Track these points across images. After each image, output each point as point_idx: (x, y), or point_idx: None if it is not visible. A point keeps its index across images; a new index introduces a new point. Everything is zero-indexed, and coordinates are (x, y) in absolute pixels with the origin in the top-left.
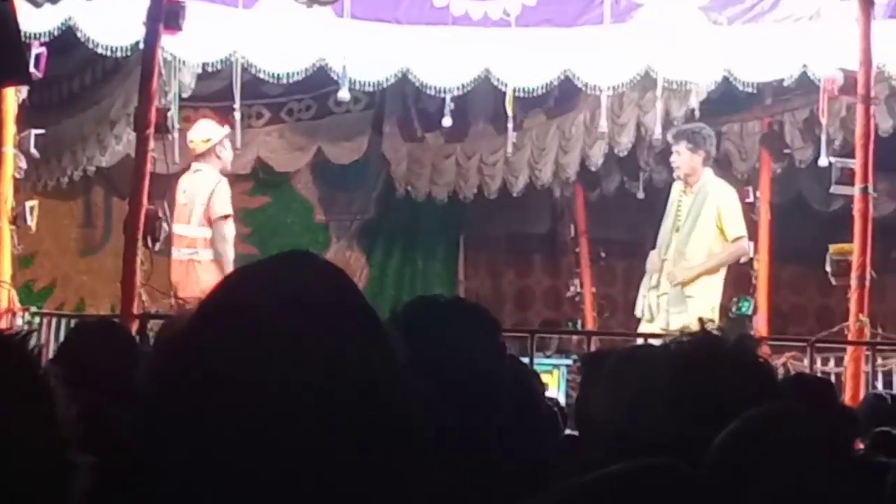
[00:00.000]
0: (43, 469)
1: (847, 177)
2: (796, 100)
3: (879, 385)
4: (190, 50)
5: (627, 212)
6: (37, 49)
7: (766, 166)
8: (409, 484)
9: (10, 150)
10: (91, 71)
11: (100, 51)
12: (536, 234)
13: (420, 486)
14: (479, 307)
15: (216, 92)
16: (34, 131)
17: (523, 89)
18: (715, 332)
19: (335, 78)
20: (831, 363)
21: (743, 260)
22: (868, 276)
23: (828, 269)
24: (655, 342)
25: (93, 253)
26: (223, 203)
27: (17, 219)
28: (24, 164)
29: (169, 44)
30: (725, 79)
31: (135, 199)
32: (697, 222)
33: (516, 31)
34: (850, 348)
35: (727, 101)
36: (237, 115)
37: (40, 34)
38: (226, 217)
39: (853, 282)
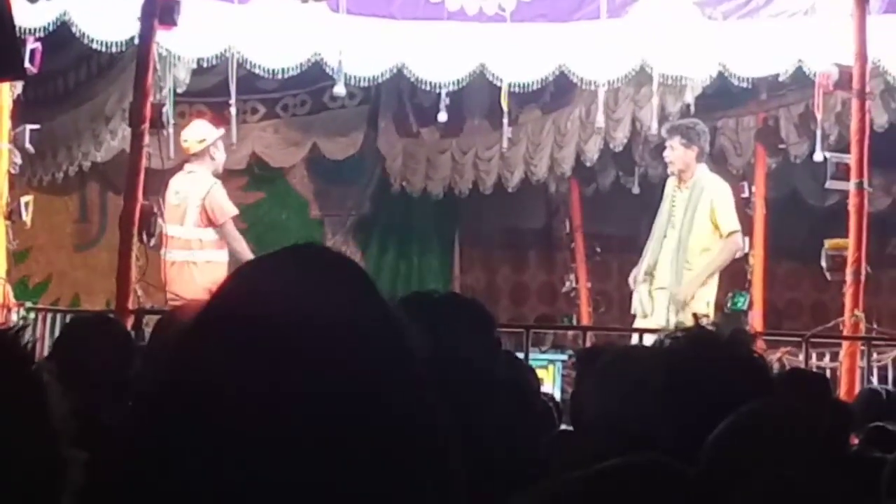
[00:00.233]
0: (36, 464)
1: (842, 172)
2: (791, 95)
3: (874, 380)
4: (185, 45)
5: (623, 207)
6: (32, 44)
7: (761, 161)
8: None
9: (4, 145)
10: (86, 66)
11: (95, 46)
12: (532, 230)
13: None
14: (475, 303)
15: (211, 87)
16: (29, 126)
17: (518, 84)
18: (709, 328)
19: (330, 73)
20: (826, 358)
21: (738, 255)
22: (863, 272)
23: (823, 264)
24: (650, 338)
25: (88, 248)
26: (226, 204)
27: (12, 214)
28: (18, 160)
29: (164, 39)
30: (721, 74)
31: (130, 195)
32: (694, 218)
33: (511, 27)
34: (845, 343)
35: (722, 96)
36: (233, 110)
37: (35, 29)
38: (233, 217)
39: (848, 277)
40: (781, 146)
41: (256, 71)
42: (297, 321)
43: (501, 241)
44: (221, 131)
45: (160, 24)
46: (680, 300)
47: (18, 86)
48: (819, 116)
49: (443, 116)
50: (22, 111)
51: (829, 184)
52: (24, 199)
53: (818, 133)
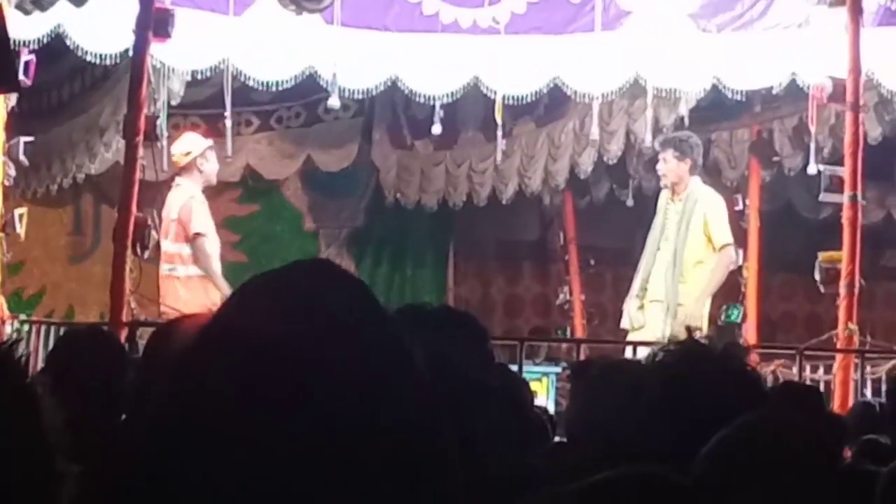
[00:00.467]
0: (29, 478)
1: (836, 184)
2: (785, 107)
3: (868, 393)
4: (179, 57)
5: (617, 219)
6: (26, 56)
7: (755, 174)
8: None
9: None
10: (80, 78)
11: (89, 58)
12: (526, 242)
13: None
14: (468, 315)
15: (205, 99)
16: (23, 139)
17: (513, 97)
18: (702, 341)
19: (324, 85)
20: (820, 371)
21: (731, 268)
22: (857, 284)
23: (817, 276)
24: (644, 350)
25: (82, 260)
26: (196, 220)
27: (6, 226)
28: (13, 172)
29: (158, 51)
30: (715, 86)
31: (124, 207)
32: (688, 231)
33: (505, 39)
34: (839, 356)
35: (716, 108)
36: (228, 122)
37: (29, 41)
38: (199, 235)
39: (842, 289)
40: (775, 159)
41: (251, 83)
42: (303, 336)
43: (496, 253)
44: (208, 143)
45: (154, 37)
46: (690, 315)
47: (13, 98)
48: (813, 129)
49: (437, 129)
50: (16, 123)
51: (823, 196)
52: (18, 212)
53: (812, 146)
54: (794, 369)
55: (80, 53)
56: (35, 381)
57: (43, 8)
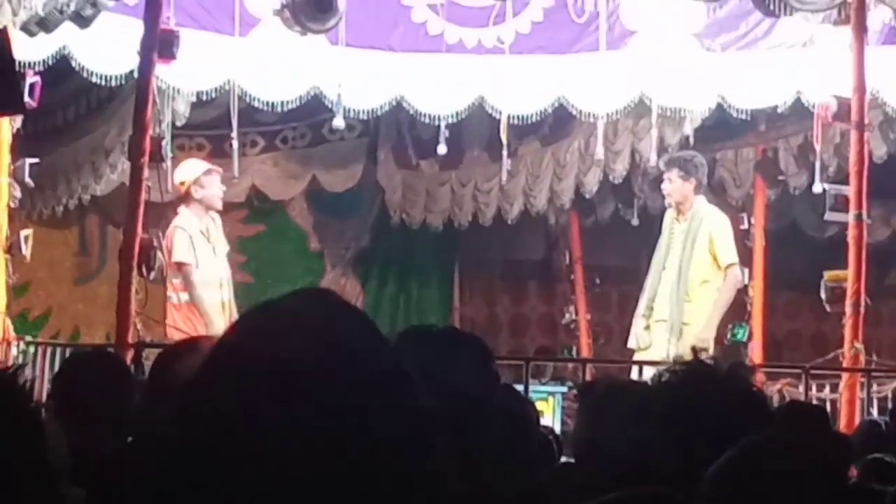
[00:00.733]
0: (34, 501)
1: (841, 203)
2: (790, 126)
3: (874, 412)
4: (184, 78)
5: (622, 239)
6: (31, 78)
7: (760, 193)
8: None
9: (4, 179)
10: (85, 100)
11: (94, 80)
12: (531, 261)
13: None
14: (473, 336)
15: (210, 120)
16: (29, 160)
17: (518, 116)
18: (707, 361)
19: (329, 106)
20: (826, 390)
21: (737, 287)
22: (863, 303)
23: (822, 295)
24: (650, 370)
25: (87, 281)
26: (176, 250)
27: (12, 248)
28: (18, 193)
29: (163, 72)
30: (719, 105)
31: (129, 228)
32: (693, 250)
33: (510, 59)
34: (845, 375)
35: (721, 127)
36: (234, 143)
37: (34, 63)
38: (181, 264)
39: (848, 308)
40: (780, 178)
41: (256, 104)
42: (303, 363)
43: (501, 272)
44: (203, 168)
45: (159, 58)
46: (699, 338)
47: (18, 119)
48: (818, 148)
49: (442, 149)
50: (21, 145)
51: (829, 215)
52: (23, 233)
53: (817, 164)
54: (801, 388)
55: (85, 75)
56: (40, 405)
57: (48, 29)
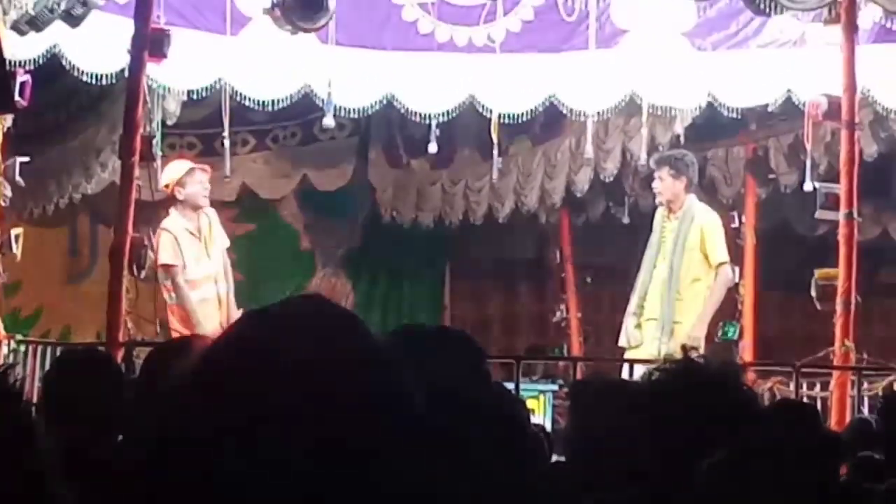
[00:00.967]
0: (24, 502)
1: (832, 202)
2: (781, 125)
3: (865, 410)
4: (175, 77)
5: (613, 237)
6: (21, 77)
7: (751, 191)
8: None
9: None
10: (76, 99)
11: (85, 79)
12: (522, 260)
13: None
14: (464, 335)
15: (201, 119)
16: (19, 159)
17: (508, 115)
18: (697, 360)
19: (320, 105)
20: (817, 388)
21: (728, 285)
22: (853, 301)
23: (813, 293)
24: (641, 368)
25: (78, 280)
26: (161, 252)
27: (3, 247)
28: (9, 192)
29: (154, 71)
30: (710, 104)
31: (120, 227)
32: (684, 248)
33: (501, 58)
34: (835, 373)
35: (712, 126)
36: (226, 142)
37: (25, 62)
38: (166, 266)
39: (839, 306)
40: (771, 176)
41: (247, 103)
42: (297, 368)
43: (492, 271)
44: (185, 168)
45: (150, 57)
46: (690, 337)
47: (8, 118)
48: (808, 146)
49: (433, 147)
50: (12, 144)
51: (819, 214)
52: (14, 232)
53: (808, 163)
54: (791, 386)
55: (75, 74)
56: (30, 405)
57: (38, 28)
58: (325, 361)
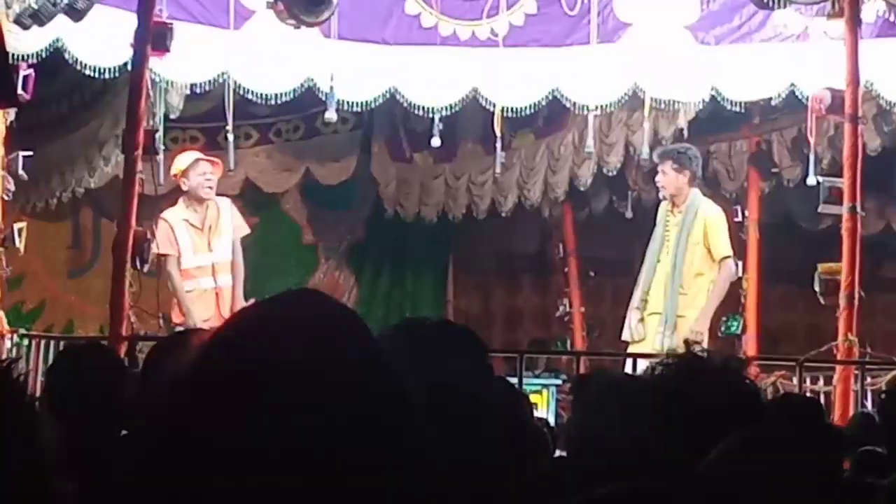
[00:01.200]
0: (25, 496)
1: (835, 196)
2: (784, 119)
3: (868, 404)
4: (178, 71)
5: (616, 231)
6: (24, 71)
7: (754, 185)
8: None
9: None
10: (79, 92)
11: (87, 72)
12: (525, 254)
13: None
14: (466, 329)
15: (204, 113)
16: (22, 153)
17: (511, 109)
18: (700, 354)
19: (323, 98)
20: (820, 382)
21: (731, 280)
22: (857, 295)
23: (816, 288)
24: (644, 362)
25: (81, 274)
26: (159, 241)
27: (6, 240)
28: (12, 186)
29: (157, 65)
30: (713, 98)
31: (123, 221)
32: (688, 242)
33: (504, 51)
34: (839, 367)
35: (715, 120)
36: (230, 136)
37: (28, 56)
38: (162, 256)
39: (842, 301)
40: (774, 170)
41: (249, 96)
42: (294, 363)
43: (495, 265)
44: (191, 158)
45: (153, 51)
46: (694, 332)
47: (11, 112)
48: (812, 140)
49: (436, 141)
50: (15, 138)
51: (822, 208)
52: (17, 226)
53: (811, 157)
54: (795, 381)
55: (78, 67)
56: (34, 399)
57: (41, 22)
58: (320, 357)
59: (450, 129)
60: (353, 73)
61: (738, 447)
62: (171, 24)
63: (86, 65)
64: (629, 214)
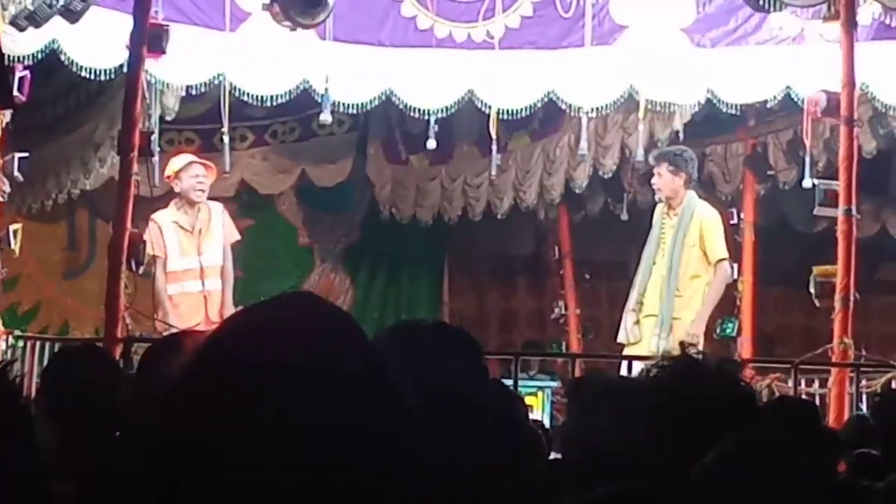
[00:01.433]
0: (22, 498)
1: (831, 198)
2: (780, 121)
3: (864, 407)
4: (173, 73)
5: (612, 233)
6: (20, 72)
7: (749, 188)
8: None
9: None
10: (75, 94)
11: (83, 74)
12: (521, 256)
13: None
14: (462, 331)
15: (200, 115)
16: (18, 155)
17: (507, 111)
18: (695, 357)
19: (319, 100)
20: (816, 385)
21: (727, 282)
22: (852, 298)
23: (812, 290)
24: (639, 364)
25: (77, 276)
26: (149, 243)
27: (1, 242)
28: (7, 188)
29: (152, 67)
30: (709, 100)
31: (118, 222)
32: (683, 245)
33: (500, 54)
34: (834, 370)
35: (711, 122)
36: (225, 138)
37: (24, 57)
38: (152, 257)
39: (837, 303)
40: (770, 173)
41: (245, 98)
42: (286, 367)
43: (490, 267)
44: (184, 161)
45: (149, 52)
46: (690, 334)
47: (7, 114)
48: (807, 143)
49: (432, 143)
50: (11, 139)
51: (818, 210)
52: (12, 227)
53: (807, 159)
54: (790, 383)
55: (74, 69)
56: (29, 401)
57: (37, 24)
58: (314, 360)
59: (445, 131)
60: (348, 75)
61: (734, 450)
62: (167, 25)
63: (82, 66)
64: (625, 217)
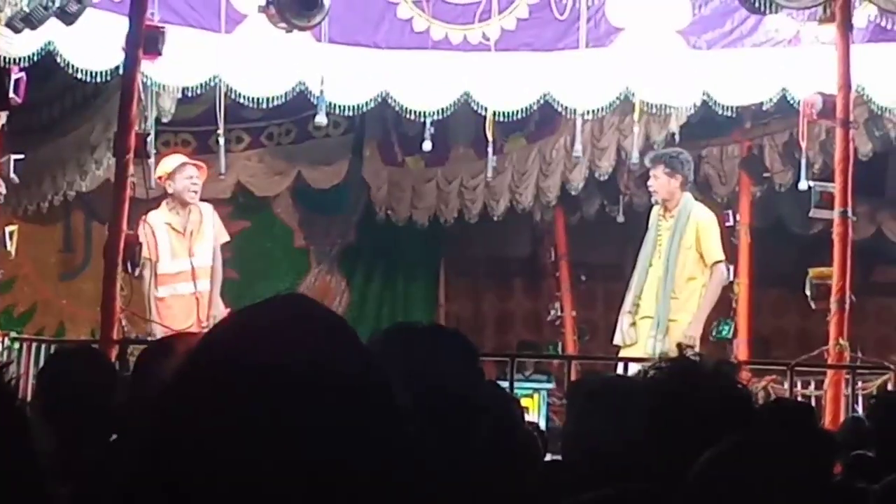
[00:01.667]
0: (18, 500)
1: (826, 200)
2: (776, 123)
3: (859, 408)
4: (169, 75)
5: (608, 235)
6: (16, 74)
7: (745, 190)
8: None
9: None
10: (71, 96)
11: (79, 76)
12: (517, 258)
13: None
14: (457, 333)
15: (196, 117)
16: (14, 156)
17: (503, 113)
18: (692, 358)
19: (315, 102)
20: (811, 386)
21: (723, 284)
22: (848, 300)
23: (808, 292)
24: (635, 366)
25: (73, 277)
26: (145, 245)
27: None
28: (3, 190)
29: (148, 69)
30: (705, 103)
31: (114, 224)
32: (679, 247)
33: (496, 56)
34: (830, 372)
35: (707, 124)
36: (221, 140)
37: (19, 59)
38: (145, 259)
39: (833, 305)
40: (766, 175)
41: (241, 100)
42: (279, 369)
43: (487, 269)
44: (177, 162)
45: (145, 54)
46: (687, 336)
47: (3, 115)
48: (803, 145)
49: (427, 145)
50: (6, 141)
51: (814, 212)
52: (8, 229)
53: (802, 162)
54: (786, 385)
55: (70, 71)
56: (25, 403)
57: (33, 26)
58: (308, 362)
59: (441, 133)
60: (344, 77)
61: (730, 451)
62: (163, 27)
63: (77, 68)
64: (621, 219)
